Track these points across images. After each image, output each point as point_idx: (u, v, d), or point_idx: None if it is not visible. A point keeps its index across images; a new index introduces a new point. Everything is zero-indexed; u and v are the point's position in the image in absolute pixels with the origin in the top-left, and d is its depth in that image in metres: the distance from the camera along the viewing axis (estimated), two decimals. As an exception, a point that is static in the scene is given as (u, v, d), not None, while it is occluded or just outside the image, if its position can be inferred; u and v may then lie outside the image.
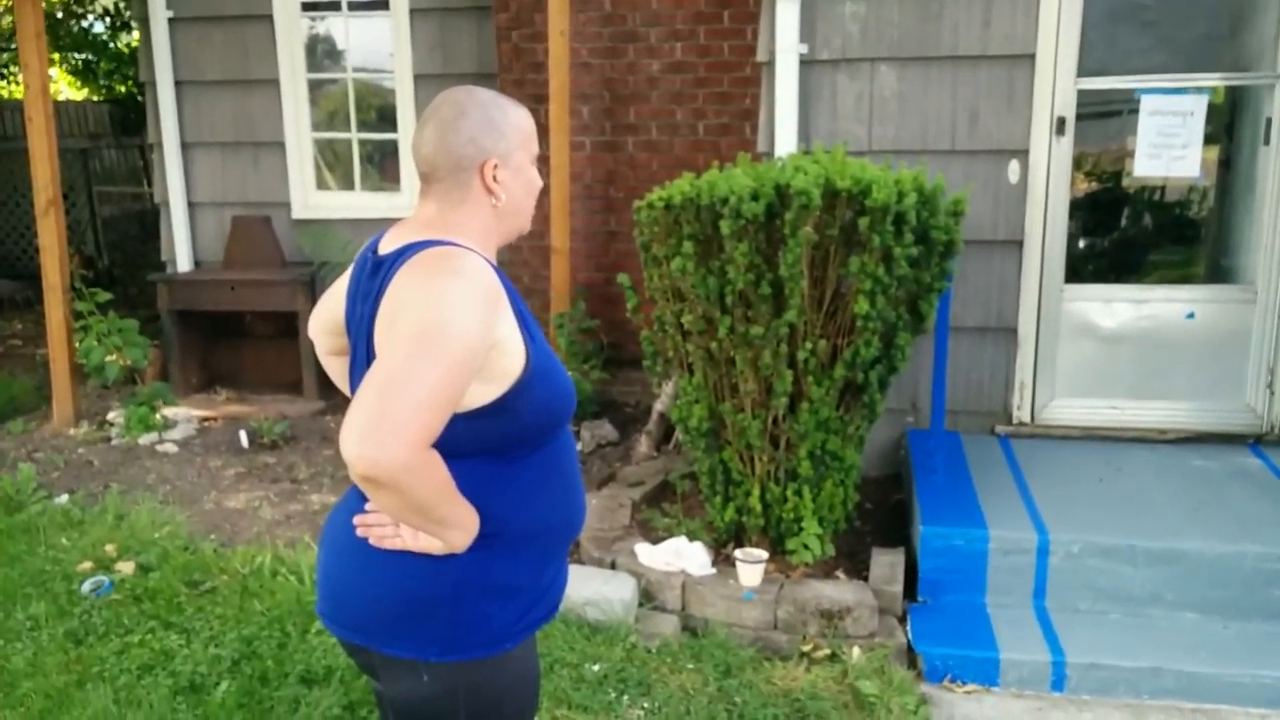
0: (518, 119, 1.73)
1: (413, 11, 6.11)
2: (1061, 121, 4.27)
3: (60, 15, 14.29)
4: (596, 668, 3.21)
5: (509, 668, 1.73)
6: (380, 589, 1.68)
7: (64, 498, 4.67)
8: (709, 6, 5.80)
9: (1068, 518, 3.66)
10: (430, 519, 1.57)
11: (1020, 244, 4.41)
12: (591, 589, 3.53)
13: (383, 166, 6.55)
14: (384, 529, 1.66)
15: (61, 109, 13.45)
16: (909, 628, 3.45)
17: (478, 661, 1.68)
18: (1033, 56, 4.25)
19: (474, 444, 1.65)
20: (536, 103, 6.00)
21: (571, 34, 5.39)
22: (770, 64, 4.42)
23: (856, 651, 3.33)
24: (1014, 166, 4.35)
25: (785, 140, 4.38)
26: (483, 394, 1.60)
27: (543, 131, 5.84)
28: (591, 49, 5.98)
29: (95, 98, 15.46)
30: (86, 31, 14.93)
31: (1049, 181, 4.33)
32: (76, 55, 14.99)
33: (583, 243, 6.11)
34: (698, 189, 3.50)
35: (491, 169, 1.69)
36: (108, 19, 14.80)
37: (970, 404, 4.57)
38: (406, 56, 6.16)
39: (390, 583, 1.67)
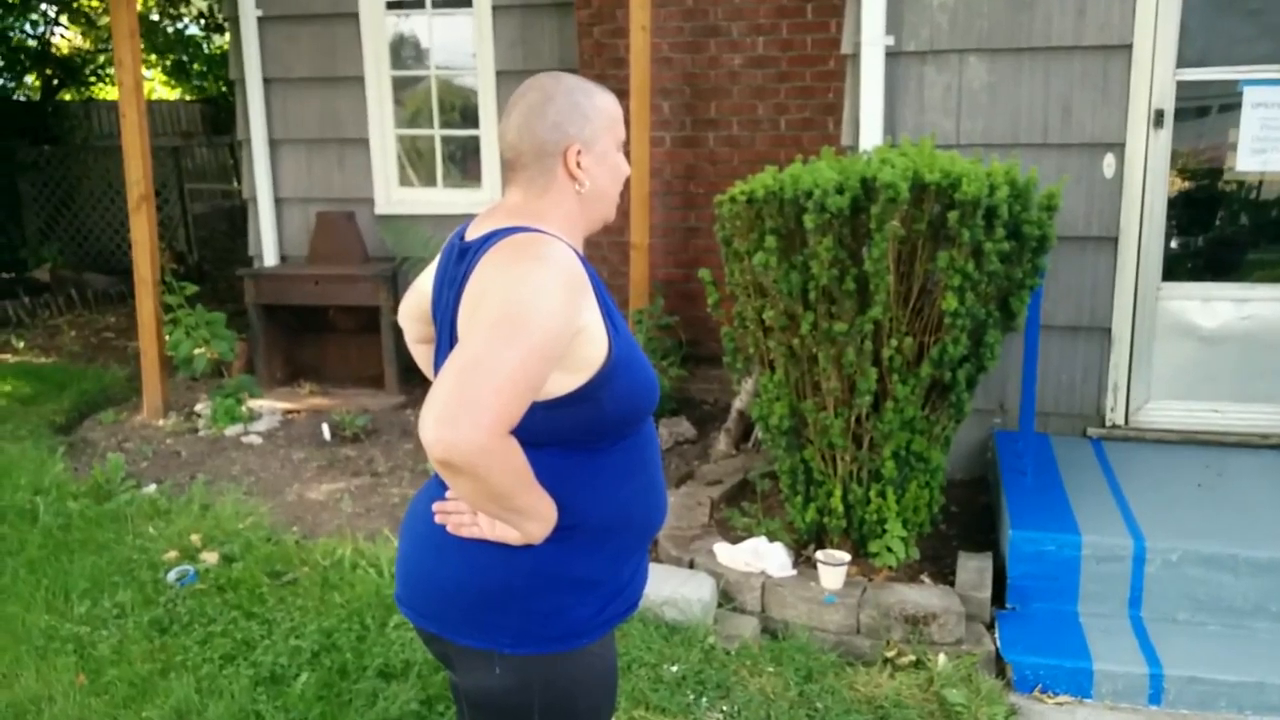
0: (603, 103, 1.70)
1: (495, 8, 6.14)
2: (1160, 114, 4.10)
3: (156, 17, 14.74)
4: (675, 668, 3.17)
5: (585, 664, 1.69)
6: (456, 578, 1.67)
7: (152, 487, 4.78)
8: (791, 0, 5.71)
9: (1165, 524, 3.51)
10: (507, 507, 1.55)
11: (1115, 241, 4.24)
12: (670, 588, 3.48)
13: (464, 163, 6.60)
14: (462, 517, 1.65)
15: (155, 108, 13.88)
16: (997, 635, 3.34)
17: (552, 655, 1.65)
18: (1130, 47, 4.08)
19: (553, 434, 1.62)
20: (617, 98, 5.96)
21: (652, 29, 5.35)
22: (855, 56, 4.33)
23: (942, 659, 3.23)
24: (1109, 160, 4.19)
25: (870, 134, 4.29)
26: (564, 383, 1.57)
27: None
28: (672, 44, 5.93)
29: (188, 98, 15.92)
30: (181, 33, 15.35)
31: (1146, 176, 4.16)
32: (171, 56, 15.42)
33: (662, 239, 6.07)
34: (781, 182, 3.44)
35: (575, 155, 1.66)
36: (201, 20, 15.21)
37: (1061, 405, 4.42)
38: (488, 53, 6.19)
39: (465, 572, 1.65)
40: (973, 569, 3.59)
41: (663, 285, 5.86)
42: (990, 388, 4.36)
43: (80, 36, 14.28)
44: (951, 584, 3.57)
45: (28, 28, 12.96)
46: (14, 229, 11.25)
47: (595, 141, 1.68)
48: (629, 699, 3.03)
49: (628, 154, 5.39)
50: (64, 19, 13.40)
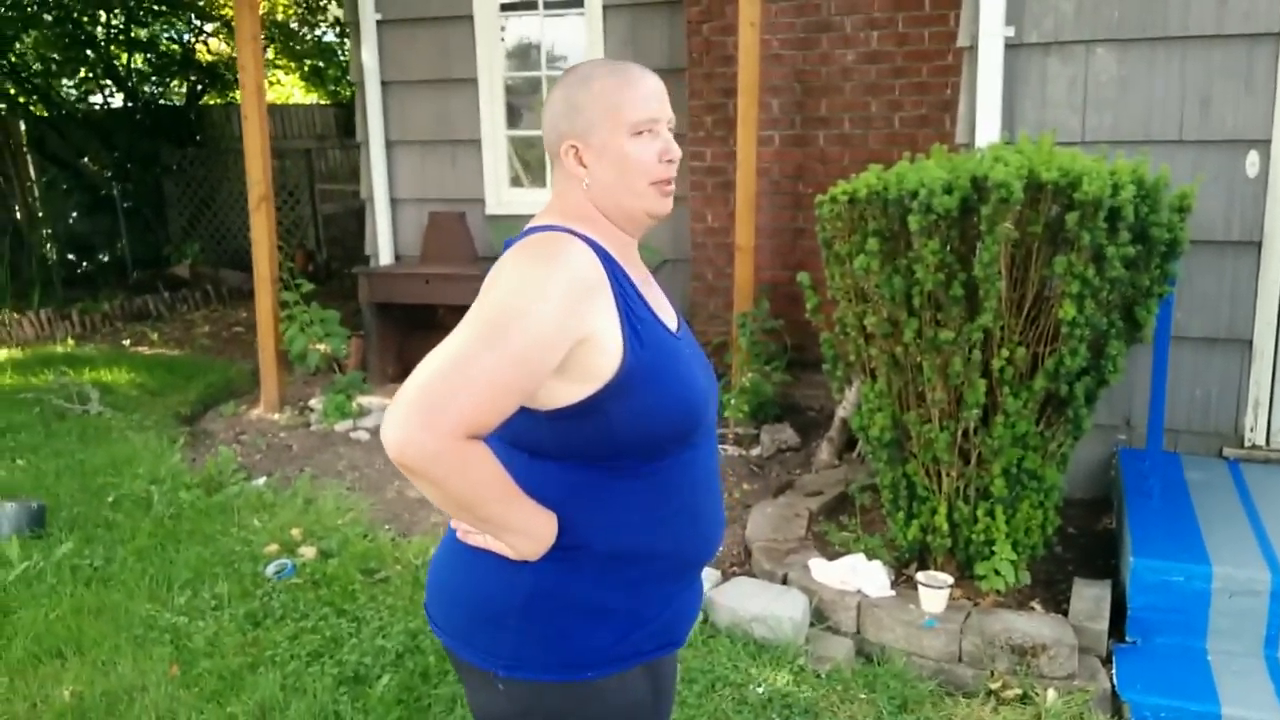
0: (600, 90, 1.56)
1: (605, 8, 6.09)
2: (1313, 107, 3.76)
3: (295, 25, 15.28)
4: (761, 690, 3.04)
5: (600, 700, 1.56)
6: (460, 588, 1.59)
7: (261, 480, 4.89)
8: (909, -8, 5.49)
9: (1309, 558, 3.20)
10: (477, 517, 1.47)
11: (1258, 245, 3.91)
12: (760, 605, 3.35)
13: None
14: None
15: (292, 112, 14.37)
16: (1114, 671, 3.09)
17: (555, 685, 1.54)
18: (1277, 35, 3.75)
19: (560, 446, 1.52)
20: (726, 96, 5.85)
21: (762, 25, 5.21)
22: (972, 49, 4.11)
23: (1052, 694, 3.01)
24: (1252, 158, 3.87)
25: (987, 130, 4.06)
26: (569, 393, 1.47)
27: (730, 125, 5.74)
28: (783, 40, 5.77)
29: (322, 101, 16.46)
30: (318, 40, 15.88)
31: (1296, 174, 3.82)
32: (309, 61, 15.97)
33: (768, 240, 5.92)
34: (885, 182, 3.26)
35: (570, 151, 1.58)
36: (337, 27, 15.71)
37: (1194, 423, 4.11)
38: (599, 53, 6.14)
39: (468, 583, 1.58)
40: (1089, 597, 3.34)
41: (769, 288, 5.70)
42: (1115, 402, 4.07)
43: (223, 44, 14.90)
44: (1065, 613, 3.33)
45: (173, 35, 13.57)
46: (159, 227, 11.82)
47: (590, 133, 1.56)
48: None
49: (733, 154, 5.32)
50: (208, 27, 13.99)
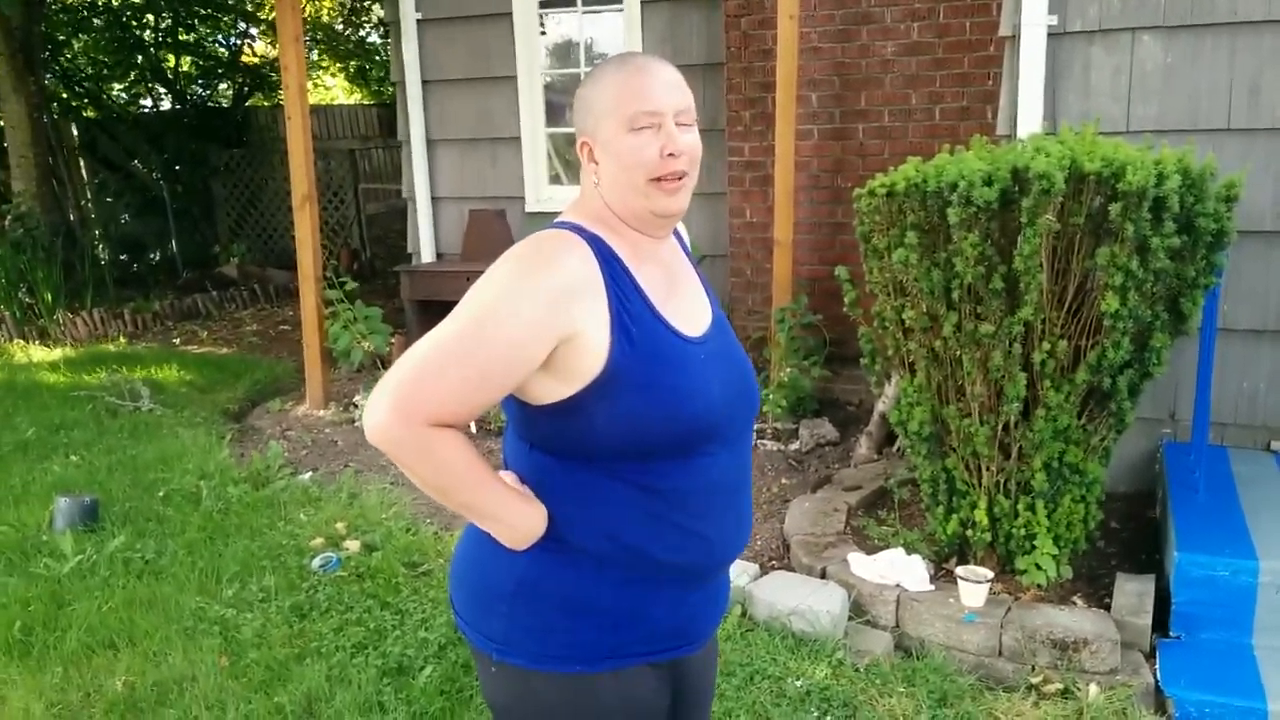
0: (605, 86, 1.55)
1: (644, 4, 6.11)
2: (1366, 92, 3.68)
3: (339, 26, 15.47)
4: (799, 683, 3.04)
5: (590, 695, 1.56)
6: (465, 570, 1.64)
7: (306, 475, 4.96)
8: (950, -18, 5.44)
9: (1360, 553, 3.14)
10: (452, 503, 1.52)
11: (1309, 235, 3.84)
12: (798, 598, 3.35)
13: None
14: None
15: (336, 113, 14.56)
16: (1158, 666, 3.06)
17: (541, 674, 1.55)
18: (1331, 18, 3.68)
19: (552, 442, 1.54)
20: (764, 90, 5.84)
21: (801, 18, 5.20)
22: (1014, 39, 4.06)
23: (1094, 689, 2.98)
24: (1304, 145, 3.79)
25: (1029, 121, 4.01)
26: (554, 390, 1.49)
27: (769, 120, 5.73)
28: (822, 33, 5.74)
29: (366, 101, 16.65)
30: (363, 40, 16.06)
31: (1348, 162, 3.75)
32: (355, 61, 16.15)
33: (807, 235, 5.90)
34: (924, 174, 3.25)
35: (585, 150, 1.59)
36: (380, 28, 15.88)
37: (1241, 416, 4.04)
38: (638, 49, 6.15)
39: (471, 565, 1.63)
40: (1131, 592, 3.30)
41: (807, 283, 5.69)
42: (1160, 395, 4.02)
43: (269, 46, 15.12)
44: (1107, 608, 3.30)
45: (220, 38, 13.79)
46: (207, 227, 12.03)
47: (599, 130, 1.55)
48: (750, 713, 2.92)
49: (771, 148, 5.30)
50: (254, 30, 14.21)
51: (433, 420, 1.43)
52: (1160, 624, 3.22)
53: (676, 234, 1.76)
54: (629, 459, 1.51)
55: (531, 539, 1.54)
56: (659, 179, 1.53)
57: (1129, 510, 4.06)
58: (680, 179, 1.55)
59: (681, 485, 1.54)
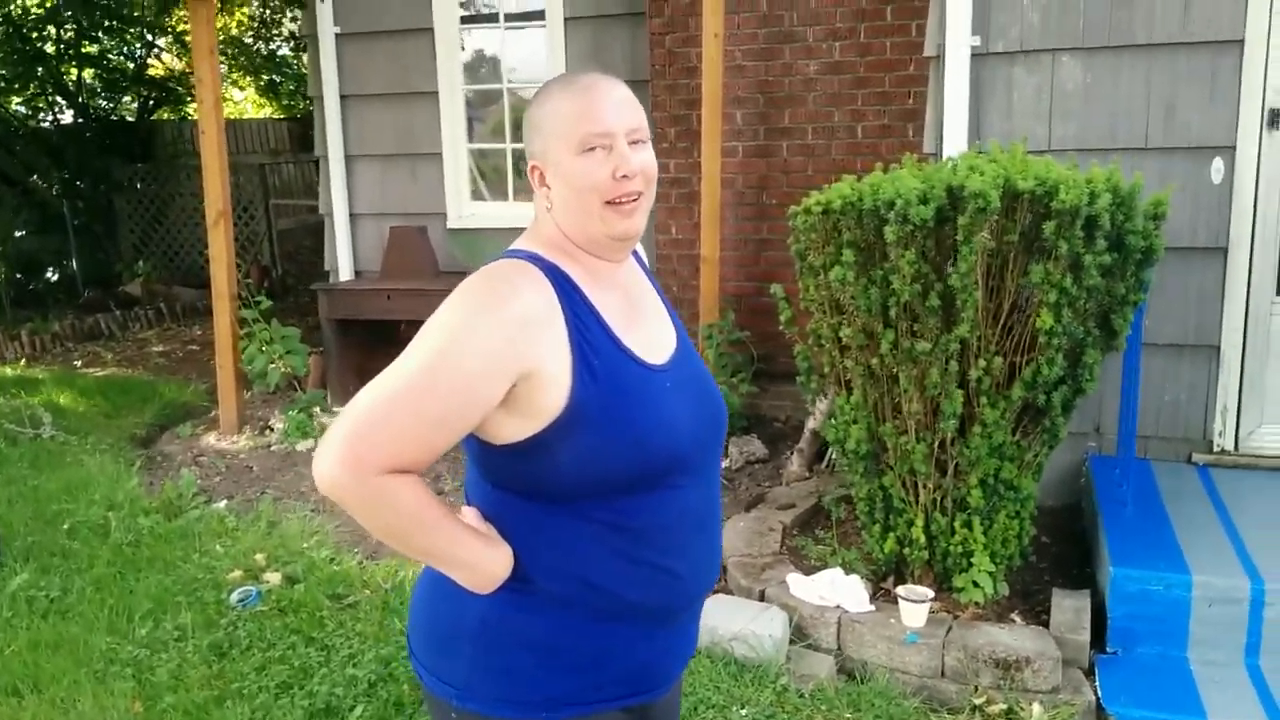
0: (554, 106, 1.49)
1: (567, 20, 6.04)
2: (1275, 114, 3.79)
3: (249, 40, 15.09)
4: (744, 711, 2.98)
5: None
6: (424, 611, 1.57)
7: (222, 503, 4.76)
8: (870, 3, 5.49)
9: (1285, 563, 3.20)
10: (411, 550, 1.46)
11: (1224, 251, 3.94)
12: (739, 624, 3.30)
13: (536, 176, 6.50)
14: None
15: (245, 126, 14.19)
16: (1098, 684, 3.07)
17: None
18: (1241, 42, 3.78)
19: (514, 481, 1.47)
20: (689, 108, 5.82)
21: (725, 36, 5.19)
22: (939, 59, 4.11)
23: (1037, 709, 2.98)
24: (1217, 165, 3.89)
25: (954, 140, 4.05)
26: (515, 428, 1.42)
27: (694, 137, 5.71)
28: (746, 51, 5.75)
29: (276, 115, 16.26)
30: (273, 54, 15.70)
31: (1259, 182, 3.85)
32: (264, 75, 15.78)
33: (733, 251, 5.89)
34: (859, 192, 3.24)
35: (533, 172, 1.53)
36: (292, 41, 15.55)
37: (1163, 429, 4.12)
38: (560, 66, 6.08)
39: (431, 606, 1.55)
40: (1069, 608, 3.32)
41: (734, 299, 5.67)
42: (1085, 409, 4.06)
43: (176, 59, 14.67)
44: (1045, 624, 3.31)
45: (125, 51, 13.32)
46: (110, 244, 11.57)
47: (548, 152, 1.49)
48: (694, 742, 2.85)
49: (697, 165, 5.28)
50: (161, 42, 13.77)
51: (387, 468, 1.36)
52: (1097, 640, 3.25)
53: (636, 255, 1.68)
54: (595, 496, 1.45)
55: (497, 582, 1.46)
56: (613, 201, 1.47)
57: (1056, 524, 4.11)
58: (635, 200, 1.49)
59: (650, 521, 1.48)
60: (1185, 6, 3.81)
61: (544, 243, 1.52)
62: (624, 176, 1.46)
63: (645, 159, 1.49)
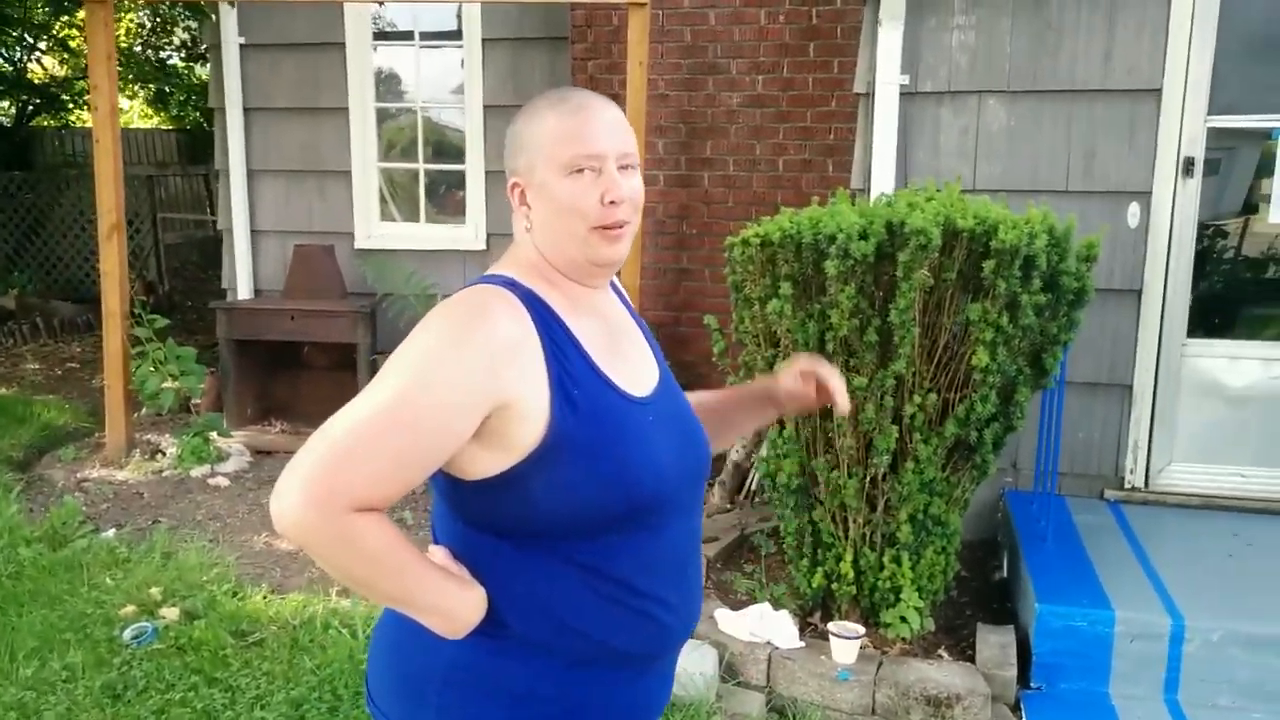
0: (540, 121, 1.42)
1: (485, 41, 5.94)
2: (1189, 162, 3.94)
3: (139, 47, 14.52)
4: (678, 752, 2.89)
5: None
6: (386, 657, 1.46)
7: (111, 532, 4.46)
8: (794, 39, 5.55)
9: (1202, 600, 3.28)
10: (377, 595, 1.35)
11: (1138, 293, 4.06)
12: (671, 660, 3.20)
13: (448, 198, 6.37)
14: None
15: (131, 137, 13.62)
16: (1024, 719, 3.09)
17: None
18: (1158, 91, 3.93)
19: (486, 520, 1.38)
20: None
21: (649, 65, 5.17)
22: (869, 96, 4.15)
23: (969, 745, 2.97)
24: (1134, 209, 4.02)
25: (882, 176, 4.10)
26: (488, 462, 1.33)
27: (617, 164, 5.64)
28: (669, 80, 5.75)
29: (165, 126, 15.68)
30: (163, 63, 15.15)
31: (1173, 226, 3.99)
32: (153, 85, 15.22)
33: (652, 280, 5.85)
34: (798, 225, 3.22)
35: (516, 192, 1.45)
36: (183, 51, 15.03)
37: (1076, 465, 4.21)
38: (477, 87, 5.98)
39: (393, 651, 1.44)
40: (994, 644, 3.34)
41: (653, 328, 5.60)
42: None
43: (57, 64, 14.03)
44: (971, 659, 3.32)
45: (3, 53, 12.67)
46: (-20, 255, 10.92)
47: (533, 171, 1.41)
48: (629, 787, 2.74)
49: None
50: (42, 45, 13.14)
51: (355, 506, 1.25)
52: (1021, 675, 3.26)
53: (614, 285, 1.61)
54: (572, 535, 1.36)
55: (469, 627, 1.35)
56: (599, 227, 1.40)
57: (975, 558, 4.15)
58: (622, 227, 1.42)
59: (632, 562, 1.40)
60: (1106, 55, 3.93)
61: (521, 267, 1.44)
62: (612, 202, 1.39)
63: (635, 185, 1.43)
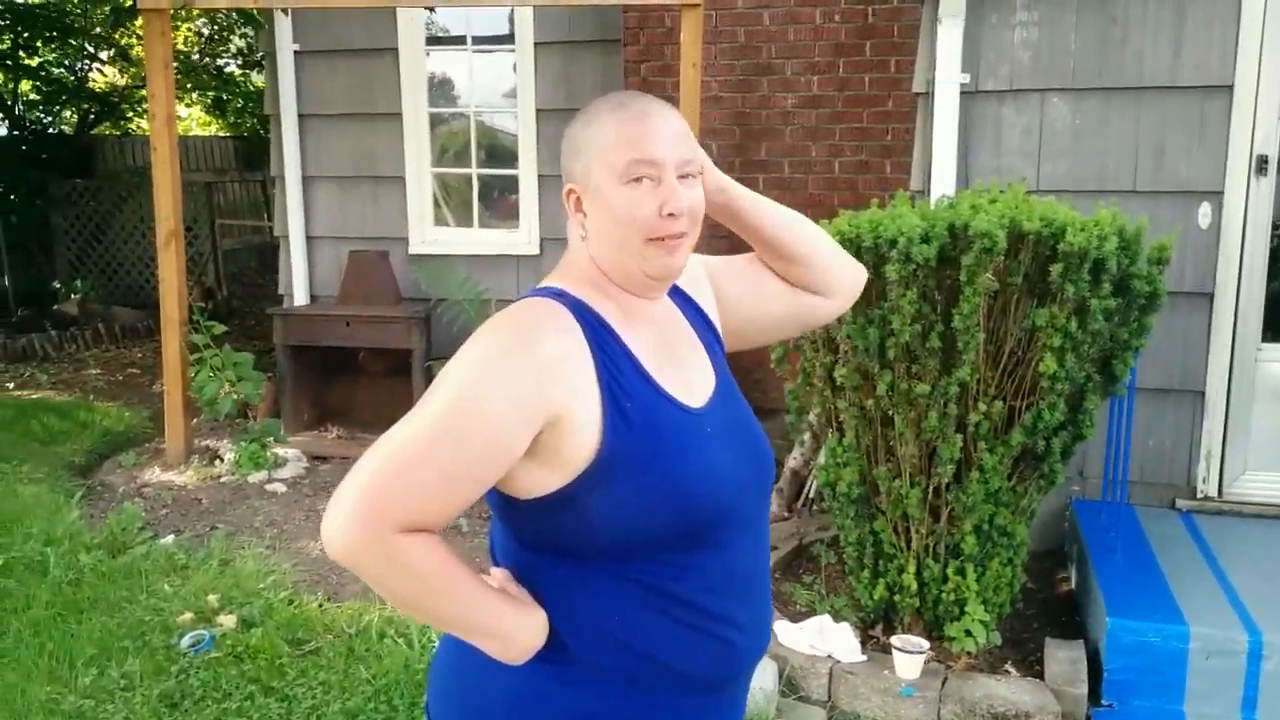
0: (601, 128, 1.37)
1: (537, 45, 5.92)
2: (1263, 160, 3.80)
3: (197, 55, 14.77)
4: (737, 768, 2.83)
5: None
6: (447, 684, 1.42)
7: (169, 539, 4.50)
8: (849, 38, 5.47)
9: (1281, 615, 3.15)
10: (432, 618, 1.32)
11: (1210, 296, 3.93)
12: (729, 673, 3.15)
13: (501, 202, 6.36)
14: None
15: (190, 144, 13.84)
16: (1096, 738, 2.99)
17: None
18: (1230, 88, 3.79)
19: (541, 538, 1.34)
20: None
21: (703, 67, 5.11)
22: (928, 95, 4.06)
23: (1038, 765, 2.88)
24: (1205, 209, 3.88)
25: (943, 178, 4.00)
26: (542, 480, 1.29)
27: (669, 168, 5.59)
28: (722, 82, 5.69)
29: (221, 133, 15.93)
30: (220, 70, 15.40)
31: (1246, 226, 3.85)
32: (211, 93, 15.49)
33: (708, 285, 5.79)
34: (857, 228, 3.15)
35: (571, 199, 1.40)
36: (240, 58, 15.25)
37: (1147, 474, 4.08)
38: (530, 91, 5.96)
39: (455, 677, 1.40)
40: (1064, 660, 3.23)
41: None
42: (1071, 453, 4.02)
43: (118, 74, 14.30)
44: (1039, 674, 3.22)
45: (66, 64, 12.94)
46: (45, 262, 11.15)
47: (589, 177, 1.37)
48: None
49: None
50: (103, 54, 13.40)
51: (405, 525, 1.22)
52: (1092, 691, 3.16)
53: (676, 288, 1.54)
54: (633, 554, 1.32)
55: (530, 653, 1.31)
56: (655, 239, 1.35)
57: (1042, 569, 4.04)
58: (679, 239, 1.37)
59: (697, 581, 1.34)
60: (1176, 51, 3.81)
61: (575, 276, 1.41)
62: (670, 214, 1.34)
63: (695, 196, 1.38)
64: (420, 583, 1.25)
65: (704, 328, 1.54)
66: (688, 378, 1.42)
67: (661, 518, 1.30)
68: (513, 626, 1.30)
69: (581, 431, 1.27)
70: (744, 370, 5.33)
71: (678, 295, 1.55)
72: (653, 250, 1.36)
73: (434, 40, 6.28)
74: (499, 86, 6.30)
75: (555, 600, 1.33)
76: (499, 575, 1.36)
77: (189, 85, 14.53)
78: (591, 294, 1.38)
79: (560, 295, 1.36)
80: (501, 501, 1.35)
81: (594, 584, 1.32)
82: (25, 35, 11.52)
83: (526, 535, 1.35)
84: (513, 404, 1.24)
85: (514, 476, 1.29)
